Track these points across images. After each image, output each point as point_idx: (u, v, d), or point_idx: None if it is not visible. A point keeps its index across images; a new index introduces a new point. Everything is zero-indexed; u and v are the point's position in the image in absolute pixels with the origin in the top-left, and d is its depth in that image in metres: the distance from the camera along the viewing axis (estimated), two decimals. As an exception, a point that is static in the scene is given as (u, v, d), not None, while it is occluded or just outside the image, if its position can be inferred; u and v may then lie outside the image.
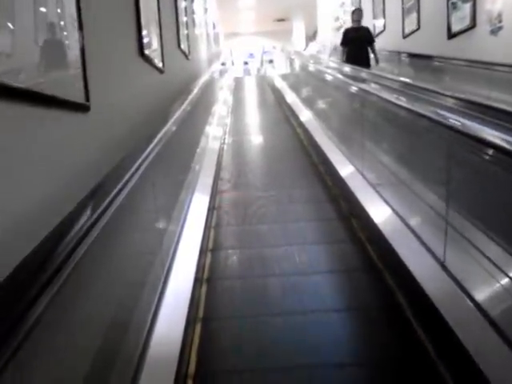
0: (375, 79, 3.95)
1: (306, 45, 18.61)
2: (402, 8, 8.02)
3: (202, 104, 5.53)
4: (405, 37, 8.02)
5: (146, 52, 3.02)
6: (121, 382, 1.53)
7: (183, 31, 5.50)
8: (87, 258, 1.19)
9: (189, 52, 5.75)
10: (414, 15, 7.53)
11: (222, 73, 12.71)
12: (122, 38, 2.66)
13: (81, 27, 1.80)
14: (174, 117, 3.02)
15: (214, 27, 13.22)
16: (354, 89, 4.18)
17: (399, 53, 8.09)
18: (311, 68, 7.57)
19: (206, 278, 2.71)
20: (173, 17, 4.76)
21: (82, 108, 1.77)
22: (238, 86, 12.54)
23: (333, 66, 6.31)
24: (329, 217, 3.53)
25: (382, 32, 9.31)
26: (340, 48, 7.57)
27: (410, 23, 7.73)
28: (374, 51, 7.35)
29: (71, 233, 1.16)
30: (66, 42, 1.74)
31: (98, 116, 1.93)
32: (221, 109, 8.21)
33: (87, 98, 1.79)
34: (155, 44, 3.51)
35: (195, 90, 4.94)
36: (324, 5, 15.00)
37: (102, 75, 2.11)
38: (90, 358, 1.34)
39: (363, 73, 4.88)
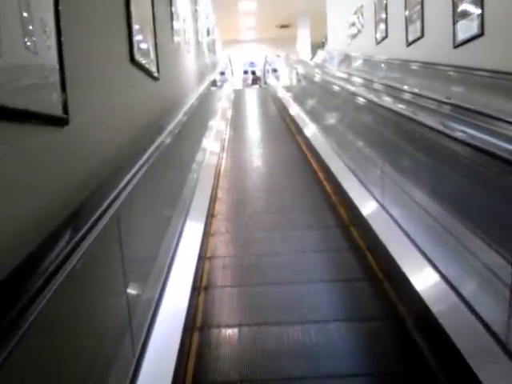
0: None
1: (314, 53, 16.78)
2: None
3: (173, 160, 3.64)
4: None
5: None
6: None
7: (150, 40, 3.65)
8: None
9: (158, 69, 3.88)
10: None
11: (218, 86, 10.88)
12: None
13: None
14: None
15: (208, 34, 11.39)
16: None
17: None
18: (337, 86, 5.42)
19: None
20: (118, 22, 2.89)
21: None
22: (237, 103, 10.67)
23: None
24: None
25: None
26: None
27: None
28: None
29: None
30: None
31: None
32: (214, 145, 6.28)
33: None
34: (49, 67, 1.64)
35: (161, 137, 3.07)
36: (335, 9, 13.14)
37: None
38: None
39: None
